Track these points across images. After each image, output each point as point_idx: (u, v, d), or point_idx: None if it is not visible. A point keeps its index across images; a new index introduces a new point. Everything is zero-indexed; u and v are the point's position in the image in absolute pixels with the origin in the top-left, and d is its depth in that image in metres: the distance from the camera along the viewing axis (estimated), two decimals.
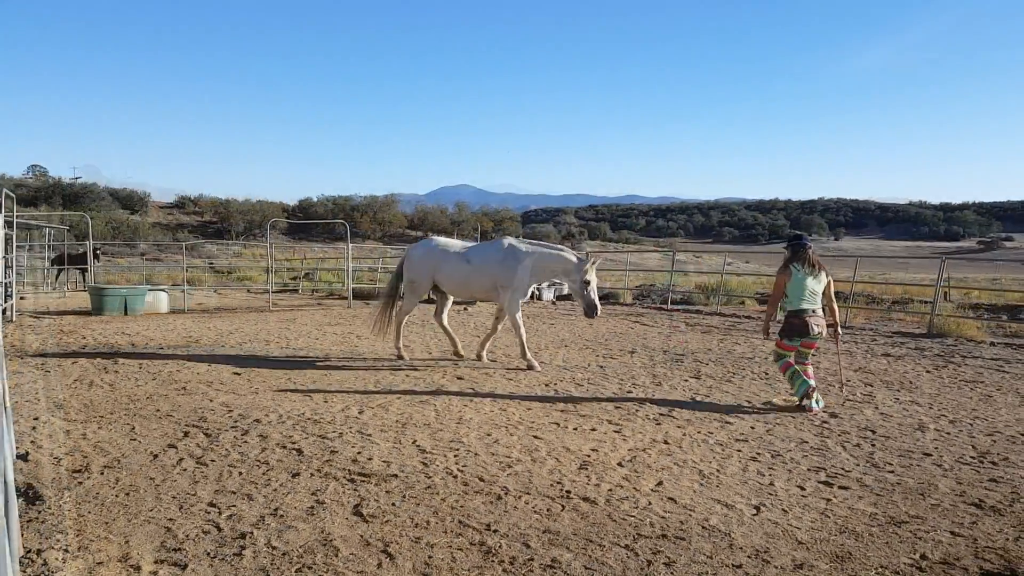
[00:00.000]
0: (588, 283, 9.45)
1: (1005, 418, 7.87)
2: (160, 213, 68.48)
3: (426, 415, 7.41)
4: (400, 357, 10.68)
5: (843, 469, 5.98)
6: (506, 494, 5.19)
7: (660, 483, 5.51)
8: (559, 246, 10.04)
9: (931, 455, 6.43)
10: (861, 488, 5.53)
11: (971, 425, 7.54)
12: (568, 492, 5.26)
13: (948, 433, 7.20)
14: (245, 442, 6.37)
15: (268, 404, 7.78)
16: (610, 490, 5.33)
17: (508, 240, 10.38)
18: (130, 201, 66.30)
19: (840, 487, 5.54)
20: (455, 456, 6.05)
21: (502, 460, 5.97)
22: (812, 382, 7.92)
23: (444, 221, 77.98)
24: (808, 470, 5.94)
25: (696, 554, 4.31)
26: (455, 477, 5.54)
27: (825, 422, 7.46)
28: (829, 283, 8.07)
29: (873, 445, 6.69)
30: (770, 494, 5.35)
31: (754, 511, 5.01)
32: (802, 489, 5.48)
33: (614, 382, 9.36)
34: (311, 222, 50.41)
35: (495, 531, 4.56)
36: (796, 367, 7.95)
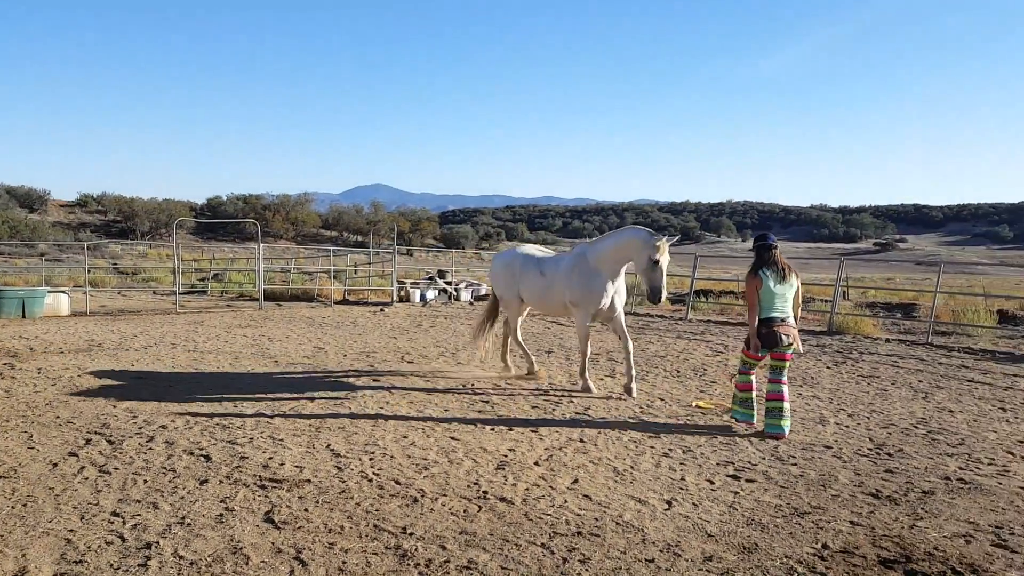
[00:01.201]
0: (657, 263, 7.99)
1: (899, 411, 8.30)
2: (61, 212, 65.16)
3: (340, 418, 7.29)
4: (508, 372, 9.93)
5: (750, 463, 6.18)
6: (423, 496, 5.16)
7: (576, 481, 5.58)
8: (625, 228, 8.64)
9: (831, 447, 6.73)
10: (767, 481, 5.74)
11: (868, 418, 7.92)
12: (485, 493, 5.27)
13: (847, 426, 7.54)
14: (150, 449, 6.13)
15: (175, 409, 7.50)
16: (527, 489, 5.37)
17: (581, 245, 9.14)
18: (28, 199, 62.84)
19: (747, 480, 5.73)
20: (370, 459, 5.98)
21: (418, 462, 5.93)
22: (756, 419, 7.35)
23: (360, 221, 76.86)
24: (717, 464, 6.12)
25: (610, 550, 4.38)
26: (370, 480, 5.47)
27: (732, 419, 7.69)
28: (798, 288, 7.33)
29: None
30: (681, 489, 5.50)
31: (666, 506, 5.14)
32: (711, 483, 5.64)
33: (531, 382, 9.42)
34: (220, 221, 48.95)
35: (411, 534, 4.53)
36: (754, 394, 7.33)
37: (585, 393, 8.70)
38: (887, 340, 14.52)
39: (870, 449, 6.72)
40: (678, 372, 10.37)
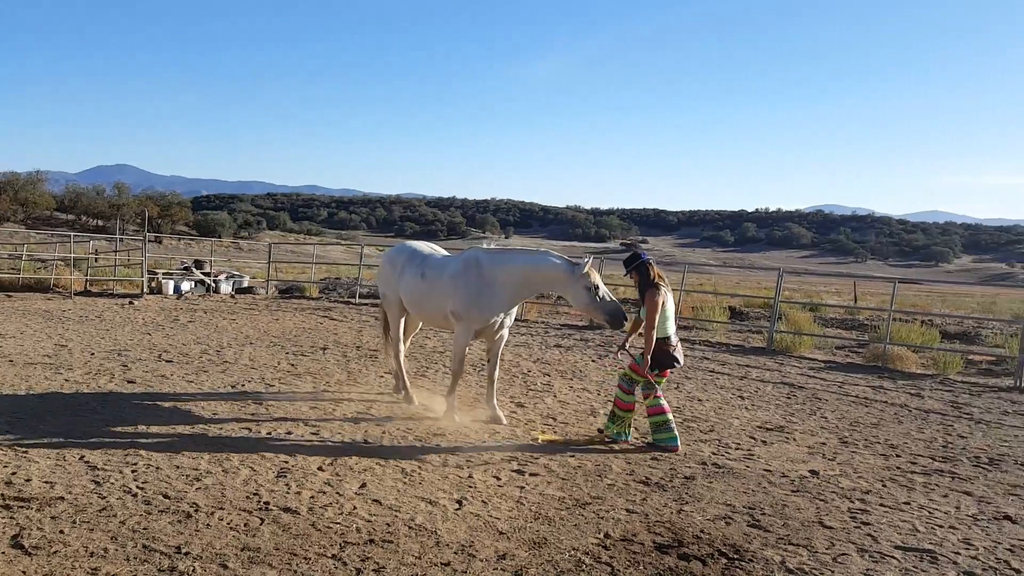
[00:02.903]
0: (595, 288, 6.86)
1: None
2: None
3: (94, 426, 6.49)
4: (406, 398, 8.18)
5: (532, 457, 6.37)
6: (196, 511, 4.72)
7: (363, 485, 5.41)
8: (536, 253, 7.39)
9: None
10: (549, 474, 5.94)
11: None
12: (267, 503, 4.93)
13: None
14: None
15: None
16: (312, 497, 5.11)
17: (475, 250, 7.71)
18: None
19: (531, 474, 5.89)
20: (133, 471, 5.38)
21: (188, 473, 5.42)
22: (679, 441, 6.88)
23: (102, 204, 69.96)
24: (502, 460, 6.23)
25: (405, 556, 4.28)
26: (135, 495, 4.91)
27: (513, 412, 7.91)
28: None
29: (555, 432, 7.23)
30: (470, 487, 5.52)
31: (457, 505, 5.13)
32: (498, 479, 5.73)
33: (308, 381, 9.03)
34: None
35: (187, 554, 4.12)
36: (671, 415, 6.91)
37: (447, 420, 7.36)
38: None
39: (636, 438, 7.20)
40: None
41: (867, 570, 4.39)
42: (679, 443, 6.82)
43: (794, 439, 7.50)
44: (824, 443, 7.41)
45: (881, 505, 5.55)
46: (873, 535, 4.93)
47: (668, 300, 6.81)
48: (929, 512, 5.44)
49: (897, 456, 7.03)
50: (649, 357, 6.72)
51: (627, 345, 7.26)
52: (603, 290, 6.93)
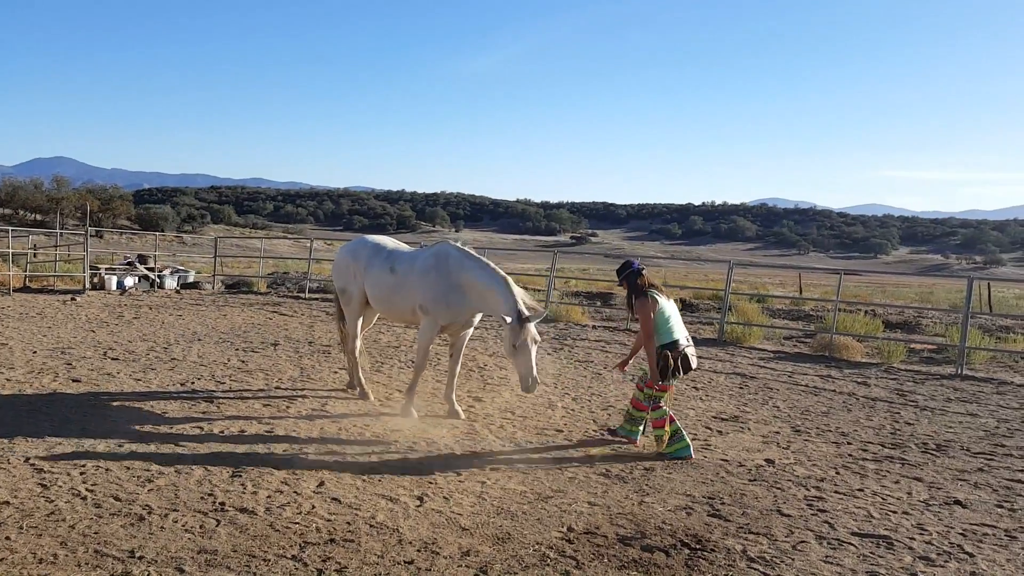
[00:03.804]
0: (524, 344, 6.42)
1: (614, 393, 9.05)
2: None
3: (39, 426, 6.25)
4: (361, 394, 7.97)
5: (491, 450, 6.34)
6: (149, 513, 4.58)
7: (322, 483, 5.31)
8: (496, 276, 6.87)
9: (563, 431, 7.13)
10: (509, 468, 5.91)
11: (590, 401, 8.53)
12: (223, 504, 4.80)
13: (573, 410, 8.05)
14: None
15: None
16: (269, 497, 4.99)
17: (445, 245, 7.48)
18: None
19: (491, 469, 5.86)
20: (81, 473, 5.19)
21: (140, 474, 5.25)
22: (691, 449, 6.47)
23: (40, 198, 67.88)
24: (462, 454, 6.18)
25: (367, 555, 4.21)
26: (84, 499, 4.74)
27: (471, 406, 7.86)
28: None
29: (514, 426, 7.21)
30: (430, 483, 5.46)
31: (418, 502, 5.07)
32: (458, 474, 5.68)
33: (259, 377, 8.83)
34: None
35: (140, 558, 3.99)
36: (677, 423, 6.54)
37: (405, 416, 7.21)
38: (594, 327, 15.79)
39: (595, 431, 7.22)
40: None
41: (826, 557, 4.47)
42: (691, 452, 6.41)
43: (748, 428, 7.61)
44: (778, 432, 7.54)
45: (836, 492, 5.66)
46: (830, 522, 5.02)
47: (665, 305, 6.53)
48: (882, 498, 5.57)
49: (848, 444, 7.19)
50: (656, 367, 6.40)
51: (630, 362, 7.24)
52: (532, 351, 6.43)
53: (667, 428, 6.43)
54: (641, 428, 6.83)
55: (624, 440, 6.83)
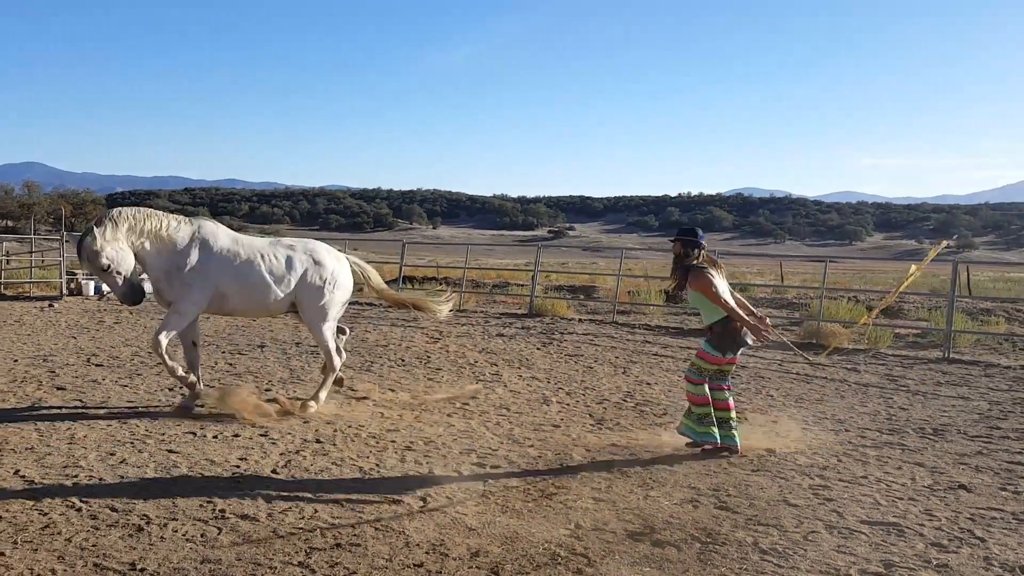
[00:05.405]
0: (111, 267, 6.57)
1: (607, 386, 9.00)
2: None
3: (26, 436, 6.07)
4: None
5: (491, 449, 6.26)
6: (148, 523, 4.45)
7: (321, 486, 5.20)
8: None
9: (559, 426, 7.07)
10: (510, 465, 5.84)
11: (584, 395, 8.47)
12: (223, 511, 4.68)
13: (568, 404, 7.99)
14: None
15: None
16: (270, 502, 4.88)
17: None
18: None
19: (492, 467, 5.78)
20: (74, 484, 5.04)
21: (135, 483, 5.12)
22: (718, 437, 6.17)
23: (10, 204, 67.17)
24: (460, 453, 6.09)
25: (375, 559, 4.12)
26: (79, 510, 4.60)
27: (465, 403, 7.77)
28: None
29: (511, 422, 7.13)
30: (432, 483, 5.38)
31: (421, 503, 4.98)
32: (460, 474, 5.60)
33: (248, 380, 8.68)
34: None
35: (142, 570, 3.88)
36: (711, 409, 6.22)
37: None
38: (580, 320, 15.74)
39: (592, 425, 7.17)
40: (403, 361, 10.24)
41: (839, 547, 4.43)
42: (717, 439, 6.14)
43: (745, 418, 7.59)
44: (775, 421, 7.52)
45: (840, 480, 5.64)
46: (838, 511, 4.99)
47: (720, 283, 6.13)
48: (887, 485, 5.55)
49: (846, 431, 7.19)
50: (738, 330, 6.08)
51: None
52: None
53: (732, 413, 6.23)
54: (728, 429, 6.25)
55: (726, 449, 6.19)
